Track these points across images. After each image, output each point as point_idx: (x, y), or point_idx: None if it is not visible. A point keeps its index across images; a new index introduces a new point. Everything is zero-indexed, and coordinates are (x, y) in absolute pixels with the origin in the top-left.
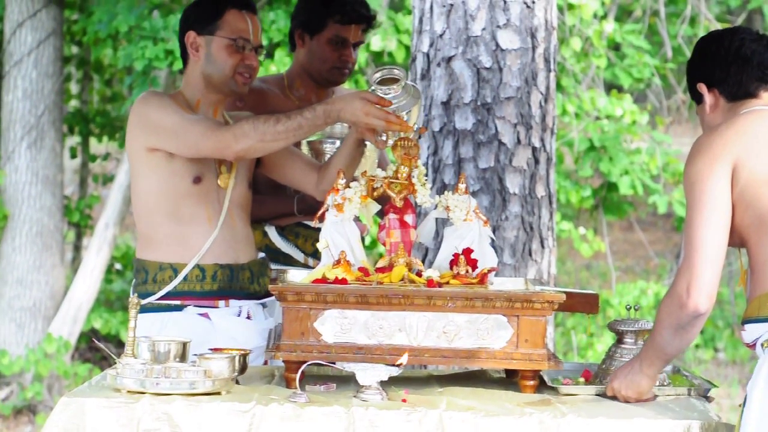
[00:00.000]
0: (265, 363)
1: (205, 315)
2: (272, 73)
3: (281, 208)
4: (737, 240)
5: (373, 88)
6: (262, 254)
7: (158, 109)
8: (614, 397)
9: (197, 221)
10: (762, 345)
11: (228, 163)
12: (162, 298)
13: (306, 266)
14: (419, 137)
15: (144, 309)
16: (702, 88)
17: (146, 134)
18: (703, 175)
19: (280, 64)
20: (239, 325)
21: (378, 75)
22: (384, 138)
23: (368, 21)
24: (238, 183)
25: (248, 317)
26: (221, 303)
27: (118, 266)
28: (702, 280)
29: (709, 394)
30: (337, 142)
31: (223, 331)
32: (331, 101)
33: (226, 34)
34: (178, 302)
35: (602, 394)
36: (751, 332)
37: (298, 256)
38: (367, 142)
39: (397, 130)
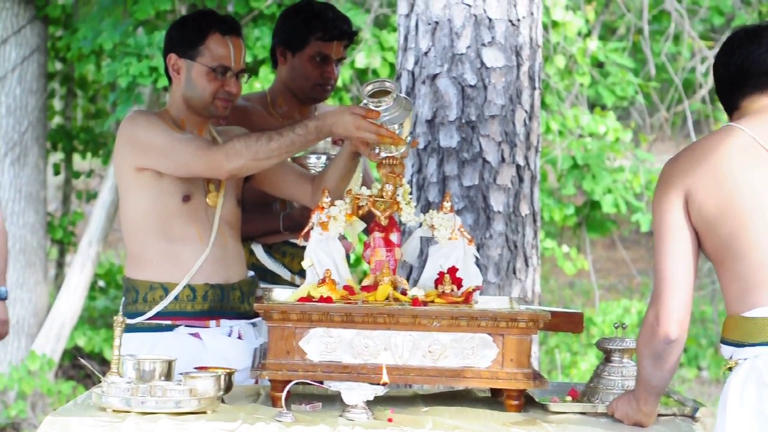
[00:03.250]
0: (256, 382)
1: (196, 335)
2: (257, 90)
3: (268, 226)
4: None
5: (365, 101)
6: (251, 273)
7: (147, 128)
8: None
9: (188, 240)
10: (727, 368)
11: (216, 182)
12: (153, 317)
13: (293, 285)
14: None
15: (135, 328)
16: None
17: (135, 154)
18: (661, 205)
19: (265, 80)
20: (230, 345)
21: (370, 88)
22: (377, 151)
23: (350, 37)
24: (227, 201)
25: (239, 337)
26: (212, 323)
27: (101, 283)
28: (669, 308)
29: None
30: (322, 157)
31: (214, 351)
32: (322, 116)
33: (206, 61)
34: (168, 322)
35: (590, 413)
36: (725, 352)
37: (285, 274)
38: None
39: (389, 143)
